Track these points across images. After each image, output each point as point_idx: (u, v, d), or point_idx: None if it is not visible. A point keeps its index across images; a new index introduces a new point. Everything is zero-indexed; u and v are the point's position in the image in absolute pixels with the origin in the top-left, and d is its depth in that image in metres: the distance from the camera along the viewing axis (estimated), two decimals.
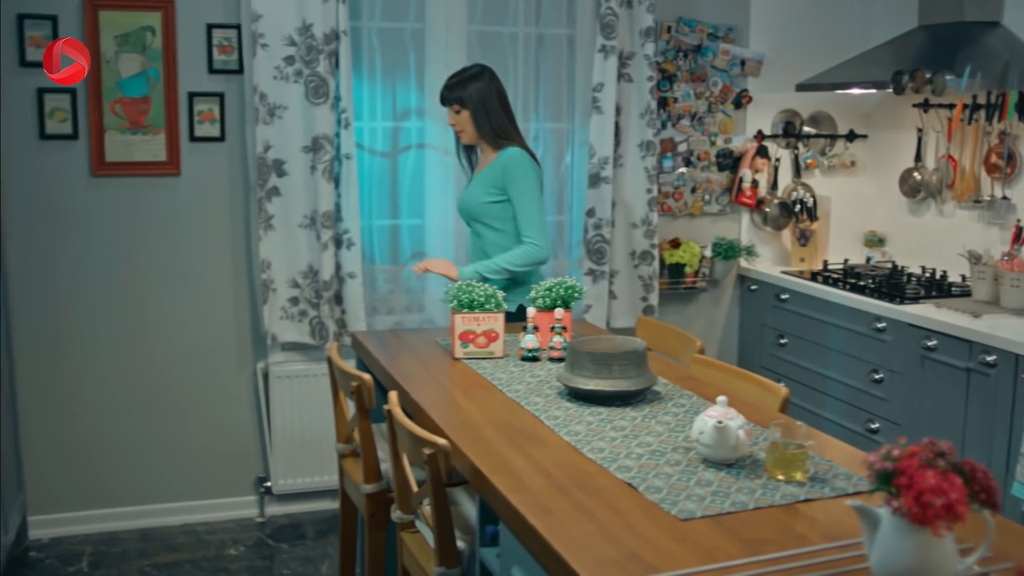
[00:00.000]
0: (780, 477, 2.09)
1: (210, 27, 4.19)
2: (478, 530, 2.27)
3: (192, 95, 4.21)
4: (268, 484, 4.49)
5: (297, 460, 4.44)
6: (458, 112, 3.69)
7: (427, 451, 2.24)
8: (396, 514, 2.64)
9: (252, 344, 4.43)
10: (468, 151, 3.89)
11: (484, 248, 3.76)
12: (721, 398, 2.23)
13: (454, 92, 3.69)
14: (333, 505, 4.55)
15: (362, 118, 4.41)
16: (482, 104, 3.67)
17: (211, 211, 4.32)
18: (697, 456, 2.22)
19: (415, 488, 2.50)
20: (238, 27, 4.21)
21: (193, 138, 4.23)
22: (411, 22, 4.45)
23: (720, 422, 2.14)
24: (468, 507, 2.55)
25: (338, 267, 4.32)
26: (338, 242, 4.30)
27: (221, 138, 4.26)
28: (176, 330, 4.35)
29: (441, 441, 2.25)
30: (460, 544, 2.36)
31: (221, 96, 4.24)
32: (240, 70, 4.23)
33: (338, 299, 4.35)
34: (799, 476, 2.08)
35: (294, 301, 4.29)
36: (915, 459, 1.52)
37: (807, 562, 1.69)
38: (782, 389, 2.76)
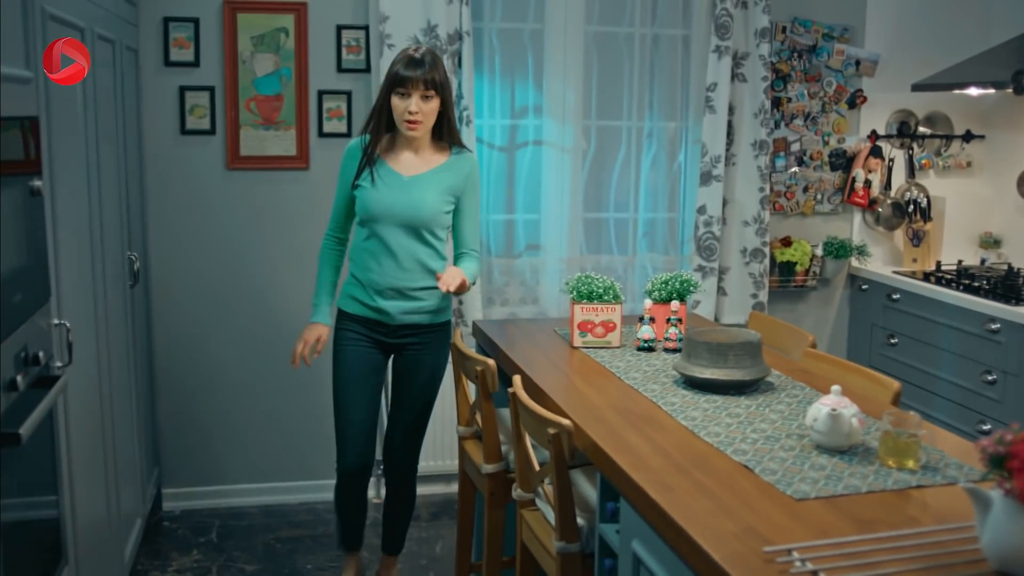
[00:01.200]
0: (892, 464, 2.16)
1: (340, 28, 4.39)
2: (598, 507, 2.39)
3: (321, 93, 4.41)
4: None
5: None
6: (429, 99, 3.20)
7: (551, 431, 2.37)
8: (517, 492, 2.77)
9: None
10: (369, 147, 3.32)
11: (416, 261, 3.29)
12: (835, 387, 2.31)
13: (433, 76, 3.20)
14: (446, 489, 4.72)
15: (482, 115, 4.57)
16: (451, 96, 3.32)
17: None
18: (811, 443, 2.31)
19: (537, 467, 2.63)
20: (366, 28, 4.40)
21: (321, 134, 4.44)
22: (530, 23, 4.59)
23: (834, 410, 2.23)
24: (586, 488, 2.67)
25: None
26: None
27: (348, 134, 4.46)
28: (300, 316, 4.54)
29: (564, 421, 2.38)
30: (579, 521, 2.49)
31: (349, 94, 4.44)
32: (367, 69, 4.43)
33: None
34: (911, 464, 2.15)
35: None
36: None
37: (919, 542, 1.77)
38: (894, 383, 2.82)
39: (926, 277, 4.75)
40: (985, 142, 5.16)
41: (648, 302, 3.27)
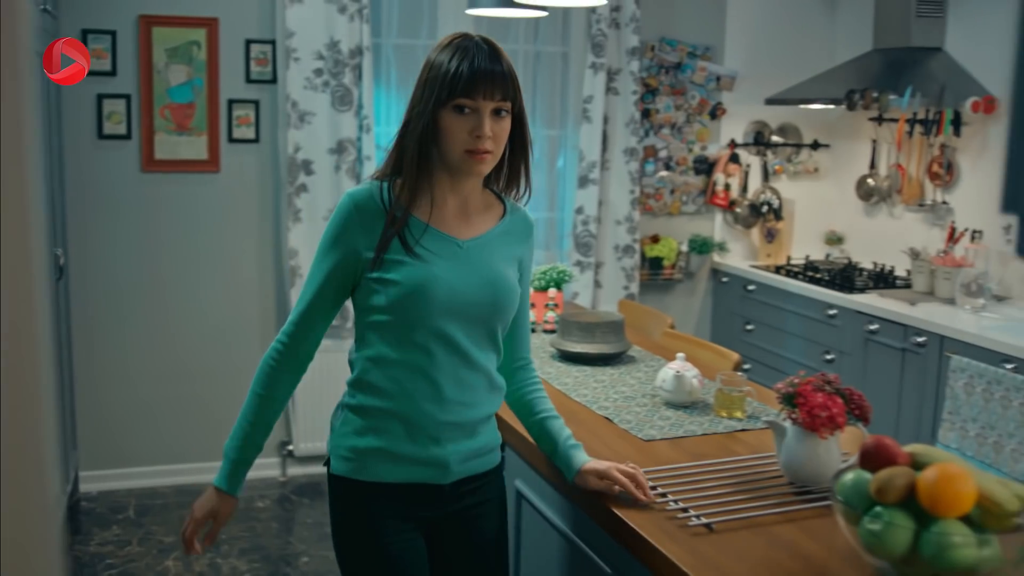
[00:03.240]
0: (723, 414, 2.68)
1: (249, 42, 4.77)
2: None
3: (231, 102, 4.78)
4: (291, 448, 5.06)
5: (316, 426, 5.01)
6: (503, 116, 2.01)
7: None
8: None
9: (278, 323, 5.01)
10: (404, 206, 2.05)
11: (486, 374, 2.11)
12: (680, 354, 2.82)
13: (513, 77, 2.03)
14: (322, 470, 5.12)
15: (381, 123, 5.00)
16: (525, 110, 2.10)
17: (246, 205, 4.89)
18: (660, 400, 2.81)
19: None
20: (273, 43, 4.79)
21: (231, 140, 4.80)
22: (423, 39, 5.04)
23: (678, 372, 2.73)
24: None
25: None
26: None
27: (256, 140, 4.83)
28: (213, 309, 4.92)
29: None
30: None
31: (257, 103, 4.81)
32: (274, 80, 4.81)
33: None
34: (739, 414, 2.67)
35: None
36: (809, 385, 2.11)
37: (735, 466, 2.28)
38: (734, 355, 3.35)
39: (777, 270, 5.35)
40: (830, 150, 5.79)
41: (529, 290, 3.75)
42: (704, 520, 1.97)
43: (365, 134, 4.78)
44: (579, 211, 5.26)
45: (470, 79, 1.96)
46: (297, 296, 2.13)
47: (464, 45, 2.00)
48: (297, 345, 2.11)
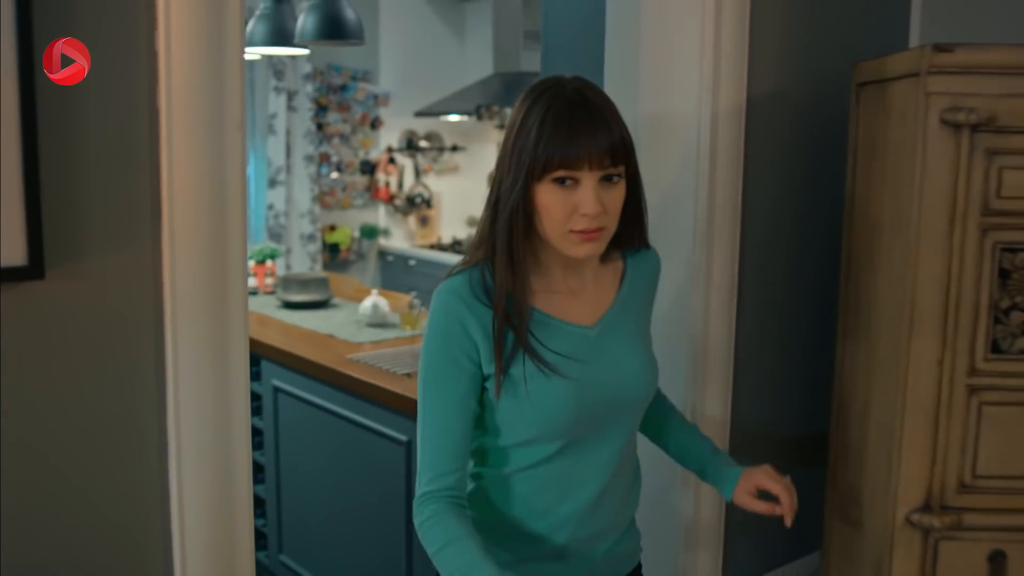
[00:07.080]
0: (408, 328, 4.00)
1: None
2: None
3: None
4: None
5: None
6: (615, 182, 1.60)
7: None
8: None
9: None
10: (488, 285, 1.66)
11: (631, 469, 1.83)
12: (374, 291, 4.11)
13: (622, 134, 1.59)
14: None
15: None
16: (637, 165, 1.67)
17: None
18: (363, 323, 4.09)
19: None
20: None
21: None
22: None
23: (375, 302, 4.03)
24: None
25: None
26: None
27: None
28: None
29: None
30: None
31: None
32: None
33: None
34: (416, 327, 4.00)
35: None
36: None
37: (413, 347, 3.62)
38: (407, 296, 4.69)
39: (431, 248, 6.77)
40: (467, 152, 7.30)
41: (251, 263, 4.90)
42: (406, 371, 3.28)
43: None
44: (270, 207, 6.41)
45: (569, 146, 1.54)
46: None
47: (557, 100, 1.57)
48: (457, 490, 1.64)
